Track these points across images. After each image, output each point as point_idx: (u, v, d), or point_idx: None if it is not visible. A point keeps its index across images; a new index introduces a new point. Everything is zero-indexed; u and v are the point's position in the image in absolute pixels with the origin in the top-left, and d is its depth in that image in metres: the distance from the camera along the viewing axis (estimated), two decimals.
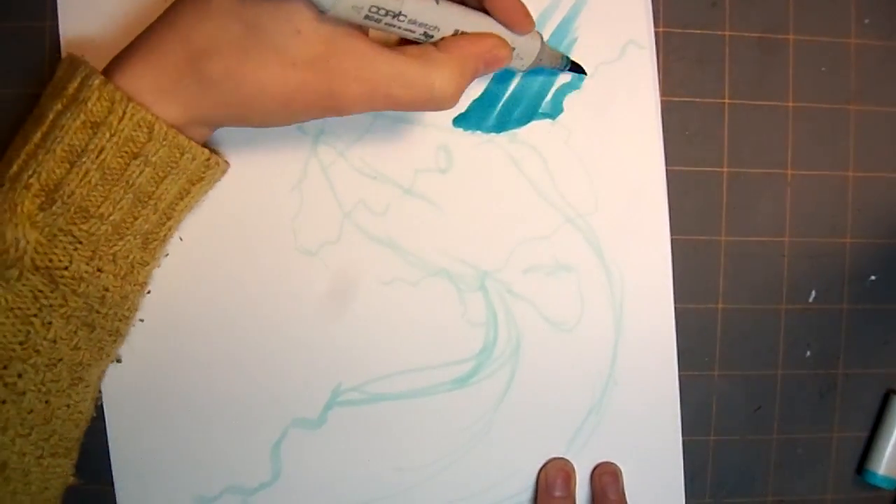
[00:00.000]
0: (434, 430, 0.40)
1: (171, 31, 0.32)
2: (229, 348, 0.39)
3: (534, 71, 0.39)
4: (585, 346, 0.40)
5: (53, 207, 0.32)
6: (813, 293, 0.42)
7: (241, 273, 0.39)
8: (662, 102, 0.41)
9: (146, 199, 0.34)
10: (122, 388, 0.39)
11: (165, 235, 0.36)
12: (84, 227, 0.33)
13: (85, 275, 0.33)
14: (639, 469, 0.41)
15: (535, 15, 0.36)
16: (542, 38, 0.37)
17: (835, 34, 0.42)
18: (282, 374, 0.39)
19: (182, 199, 0.36)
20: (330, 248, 0.39)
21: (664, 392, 0.40)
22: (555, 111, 0.40)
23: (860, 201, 0.42)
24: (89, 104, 0.32)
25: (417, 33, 0.33)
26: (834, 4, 0.42)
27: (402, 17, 0.31)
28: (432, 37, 0.33)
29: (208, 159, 0.35)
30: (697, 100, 0.41)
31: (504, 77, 0.40)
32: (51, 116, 0.32)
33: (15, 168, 0.32)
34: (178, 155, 0.34)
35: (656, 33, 0.41)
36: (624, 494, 0.40)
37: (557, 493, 0.39)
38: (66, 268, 0.32)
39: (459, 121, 0.39)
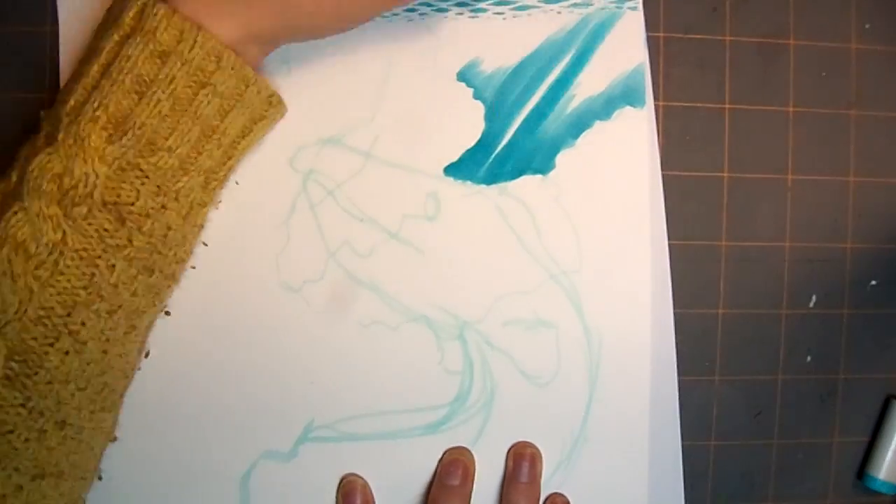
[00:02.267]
0: (404, 472, 0.40)
1: None
2: (204, 376, 0.39)
3: (528, 125, 0.39)
4: (559, 402, 0.40)
5: (123, 140, 0.31)
6: (813, 298, 0.42)
7: (222, 303, 0.39)
8: (663, 107, 0.41)
9: (211, 133, 0.33)
10: None
11: (224, 176, 0.35)
12: (152, 160, 0.32)
13: (151, 211, 0.32)
14: None
15: (535, 65, 0.37)
16: None
17: (835, 39, 0.42)
18: (256, 405, 0.39)
19: (244, 137, 0.35)
20: (312, 286, 0.39)
21: (635, 455, 0.40)
22: (546, 167, 0.40)
23: (861, 206, 0.42)
24: (158, 34, 0.31)
25: None
26: (834, 9, 0.42)
27: None
28: None
29: (271, 95, 0.35)
30: (698, 105, 0.41)
31: (499, 129, 0.39)
32: (109, 47, 0.32)
33: (72, 102, 0.31)
34: (243, 87, 0.33)
35: (657, 38, 0.41)
36: (538, 478, 0.40)
37: (453, 482, 0.39)
38: (132, 203, 0.32)
39: (451, 170, 0.39)
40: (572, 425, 0.40)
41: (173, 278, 0.35)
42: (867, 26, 0.42)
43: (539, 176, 0.40)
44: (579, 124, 0.40)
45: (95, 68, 0.32)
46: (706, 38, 0.41)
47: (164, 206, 0.32)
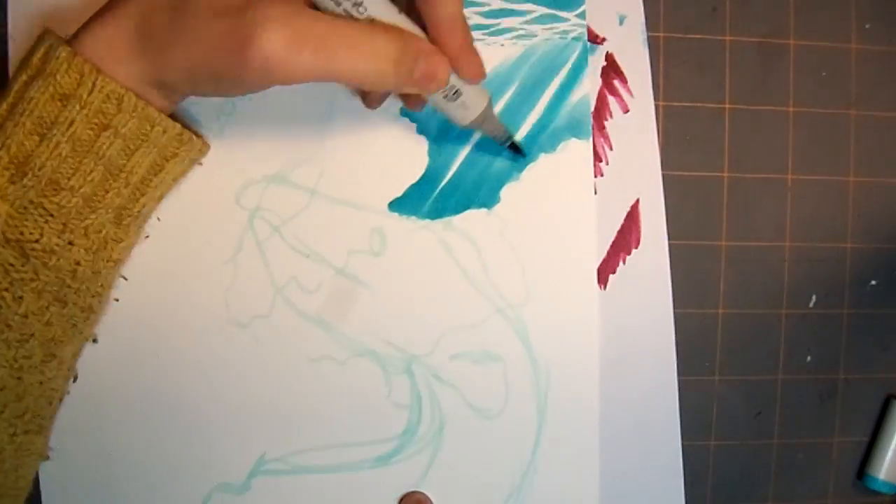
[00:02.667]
0: None
1: None
2: (155, 410, 0.39)
3: (473, 159, 0.39)
4: (508, 434, 0.40)
5: (24, 180, 0.32)
6: (813, 298, 0.42)
7: (172, 338, 0.39)
8: (663, 107, 0.41)
9: (117, 172, 0.34)
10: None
11: (140, 212, 0.36)
12: (55, 199, 0.32)
13: (56, 247, 0.33)
14: None
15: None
16: (490, 100, 0.36)
17: (835, 39, 0.42)
18: (209, 439, 0.39)
19: (156, 174, 0.35)
20: (261, 322, 0.39)
21: (586, 484, 0.40)
22: (491, 201, 0.40)
23: (861, 206, 0.42)
24: (58, 76, 0.32)
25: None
26: (834, 10, 0.42)
27: (362, 9, 0.31)
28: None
29: (180, 134, 0.35)
30: (698, 105, 0.41)
31: (443, 164, 0.40)
32: (16, 88, 0.32)
33: None
34: (148, 127, 0.33)
35: (658, 38, 0.41)
36: None
37: None
38: (36, 241, 0.32)
39: (395, 205, 0.40)
40: (522, 456, 0.40)
41: (91, 310, 0.36)
42: (867, 26, 0.42)
43: (484, 210, 0.40)
44: (524, 159, 0.40)
45: (4, 107, 0.32)
46: (706, 38, 0.41)
47: (70, 243, 0.33)
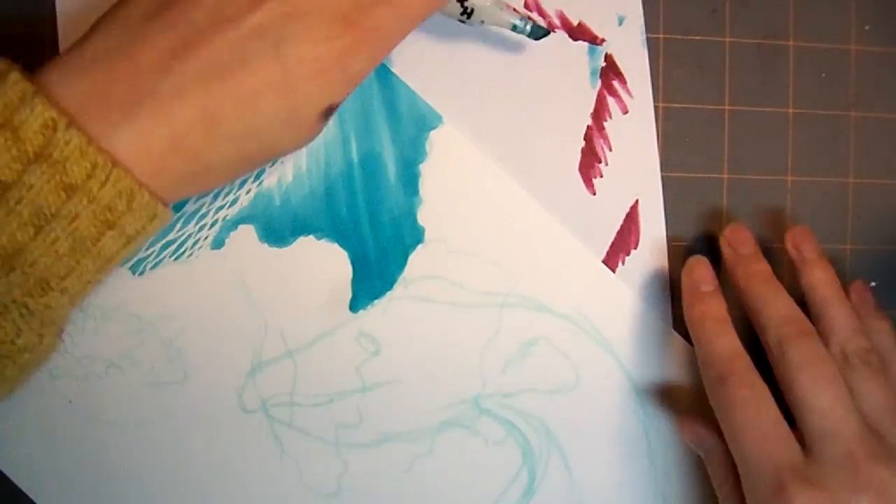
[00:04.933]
0: None
1: None
2: None
3: (379, 227, 0.39)
4: (598, 383, 0.40)
5: (10, 276, 0.28)
6: None
7: None
8: (662, 109, 0.41)
9: (106, 266, 0.30)
10: None
11: (98, 281, 0.32)
12: (42, 300, 0.29)
13: (30, 345, 0.30)
14: None
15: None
16: None
17: (835, 40, 0.42)
18: None
19: (126, 247, 0.31)
20: (346, 479, 0.39)
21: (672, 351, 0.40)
22: (418, 235, 0.39)
23: (860, 208, 0.42)
24: (67, 165, 0.27)
25: None
26: (834, 11, 0.42)
27: None
28: None
29: (167, 219, 0.32)
30: (697, 106, 0.41)
31: (361, 245, 0.39)
32: (2, 162, 0.27)
33: None
34: (149, 222, 0.30)
35: (657, 39, 0.41)
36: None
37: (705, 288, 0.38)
38: (12, 341, 0.29)
39: (355, 305, 0.39)
40: (623, 387, 0.40)
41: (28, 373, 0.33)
42: (867, 28, 0.42)
43: (420, 246, 0.39)
44: (411, 181, 0.39)
45: None
46: (706, 39, 0.41)
47: (41, 335, 0.30)
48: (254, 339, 0.39)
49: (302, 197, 0.39)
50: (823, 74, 0.42)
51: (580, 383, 0.40)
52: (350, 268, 0.39)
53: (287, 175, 0.39)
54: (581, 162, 0.40)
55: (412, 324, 0.40)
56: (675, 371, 0.41)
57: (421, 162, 0.39)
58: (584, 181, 0.40)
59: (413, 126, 0.39)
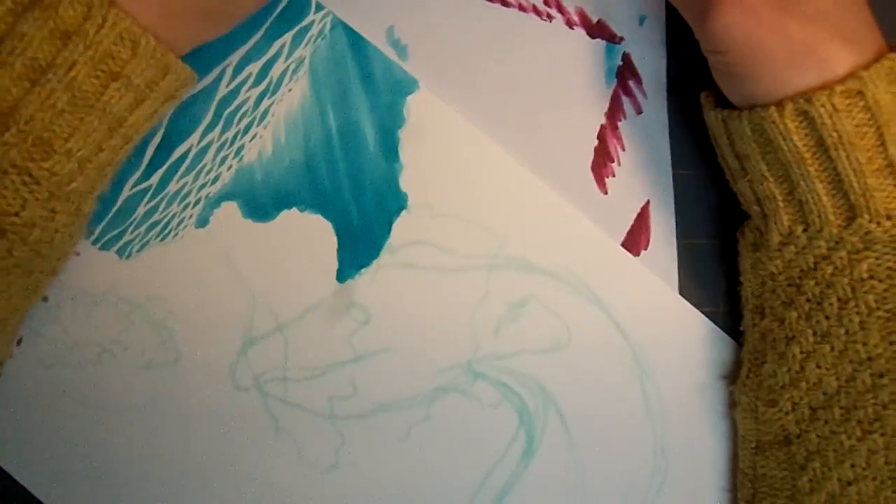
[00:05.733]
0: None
1: None
2: None
3: (360, 194, 0.39)
4: (591, 341, 0.40)
5: (5, 135, 0.26)
6: None
7: None
8: (670, 103, 0.40)
9: (118, 127, 0.29)
10: None
11: (121, 160, 0.31)
12: (45, 164, 0.27)
13: (38, 220, 0.28)
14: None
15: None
16: None
17: None
18: None
19: (150, 119, 0.30)
20: (344, 451, 0.39)
21: (671, 305, 0.40)
22: (402, 201, 0.39)
23: None
24: (60, 9, 0.26)
25: None
26: None
27: None
28: None
29: (188, 77, 0.31)
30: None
31: (345, 215, 0.39)
32: (1, 15, 0.26)
33: None
34: (160, 75, 0.29)
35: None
36: None
37: None
38: (16, 213, 0.27)
39: (342, 275, 0.39)
40: (616, 342, 0.40)
41: (53, 273, 0.32)
42: None
43: (404, 212, 0.39)
44: (391, 148, 0.39)
45: None
46: None
47: (53, 211, 0.28)
48: (243, 316, 0.39)
49: (283, 170, 0.39)
50: None
51: (573, 341, 0.40)
52: (335, 238, 0.39)
53: (267, 148, 0.39)
54: (594, 161, 0.40)
55: (401, 291, 0.40)
56: (668, 323, 0.40)
57: (399, 128, 0.39)
58: (596, 180, 0.40)
59: (389, 92, 0.39)
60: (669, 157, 0.40)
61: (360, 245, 0.39)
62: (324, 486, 0.39)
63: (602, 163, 0.40)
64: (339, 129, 0.39)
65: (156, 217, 0.39)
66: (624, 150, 0.40)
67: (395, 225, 0.39)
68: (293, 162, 0.39)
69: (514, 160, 0.40)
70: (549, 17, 0.39)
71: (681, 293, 0.40)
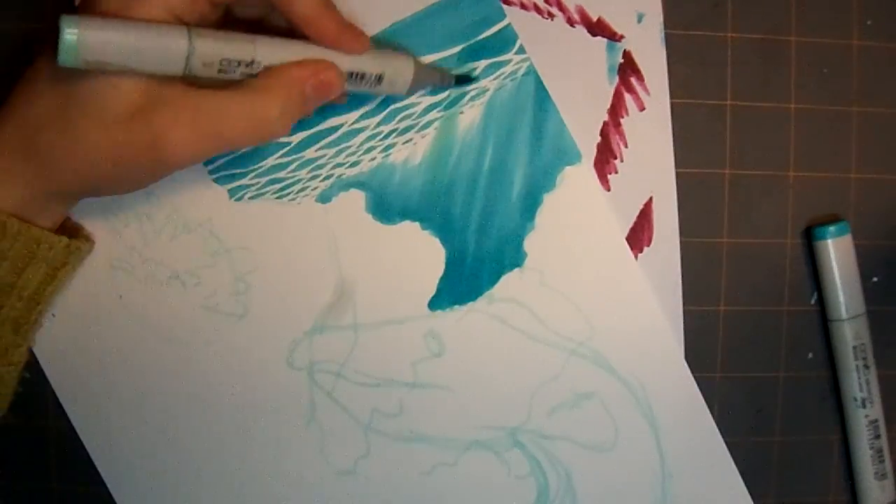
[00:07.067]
0: None
1: (5, 115, 0.32)
2: None
3: (485, 227, 0.39)
4: (633, 455, 0.41)
5: None
6: (815, 295, 0.42)
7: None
8: (672, 100, 0.41)
9: (9, 290, 0.34)
10: None
11: (36, 319, 0.36)
12: None
13: None
14: None
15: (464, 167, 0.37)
16: (415, 60, 0.36)
17: (837, 36, 0.42)
18: None
19: (49, 283, 0.35)
20: (364, 462, 0.40)
21: (722, 469, 0.41)
22: (518, 259, 0.40)
23: (862, 203, 0.42)
24: None
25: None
26: (836, 6, 0.42)
27: (255, 65, 0.32)
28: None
29: (67, 246, 0.35)
30: (700, 101, 0.41)
31: (460, 246, 0.40)
32: None
33: None
34: (34, 246, 0.33)
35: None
36: None
37: None
38: None
39: (434, 304, 0.40)
40: (654, 469, 0.41)
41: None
42: (868, 22, 0.42)
43: (517, 269, 0.40)
44: (530, 206, 0.40)
45: None
46: (708, 34, 0.41)
47: None
48: (324, 302, 0.39)
49: (422, 183, 0.39)
50: (825, 70, 0.42)
51: (617, 448, 0.41)
52: (443, 266, 0.40)
53: (416, 156, 0.39)
54: (596, 158, 0.41)
55: (482, 340, 0.40)
56: (705, 468, 0.41)
57: (547, 191, 0.40)
58: (599, 177, 0.41)
59: (552, 155, 0.40)
60: (672, 154, 0.41)
61: (463, 282, 0.40)
62: (334, 486, 0.40)
63: (605, 159, 0.41)
64: (490, 168, 0.39)
65: (281, 174, 0.39)
66: (627, 146, 0.41)
67: (504, 277, 0.40)
68: (435, 180, 0.39)
69: (637, 268, 0.40)
70: (551, 15, 0.40)
71: (685, 294, 0.41)
